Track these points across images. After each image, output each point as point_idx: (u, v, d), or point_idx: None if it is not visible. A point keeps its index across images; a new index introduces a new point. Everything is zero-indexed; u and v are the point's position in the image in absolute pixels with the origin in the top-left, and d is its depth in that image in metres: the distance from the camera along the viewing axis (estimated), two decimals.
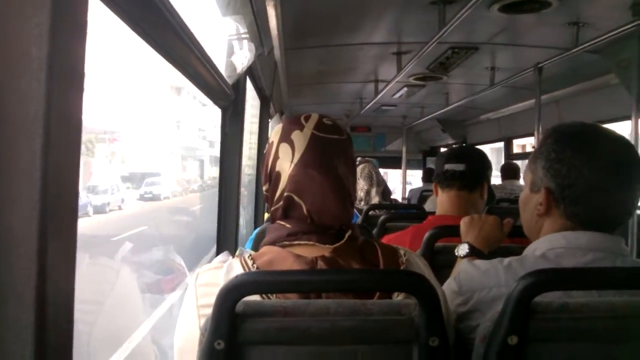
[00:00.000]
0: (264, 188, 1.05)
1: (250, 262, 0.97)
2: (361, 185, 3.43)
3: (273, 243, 0.99)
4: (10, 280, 0.47)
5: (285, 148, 0.98)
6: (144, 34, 1.01)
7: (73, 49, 0.52)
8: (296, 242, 0.97)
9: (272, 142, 1.02)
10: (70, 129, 0.52)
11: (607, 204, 1.09)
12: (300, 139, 0.98)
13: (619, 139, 1.12)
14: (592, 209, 1.08)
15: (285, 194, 0.98)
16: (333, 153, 0.98)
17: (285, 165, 0.98)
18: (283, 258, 0.96)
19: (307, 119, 1.01)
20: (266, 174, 1.03)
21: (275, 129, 1.04)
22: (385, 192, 3.54)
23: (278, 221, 1.00)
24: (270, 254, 0.97)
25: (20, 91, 0.47)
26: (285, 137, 0.99)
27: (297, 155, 0.97)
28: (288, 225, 0.98)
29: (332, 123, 1.02)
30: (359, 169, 3.46)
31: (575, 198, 1.08)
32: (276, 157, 1.00)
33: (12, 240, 0.47)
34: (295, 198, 0.97)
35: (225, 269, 0.97)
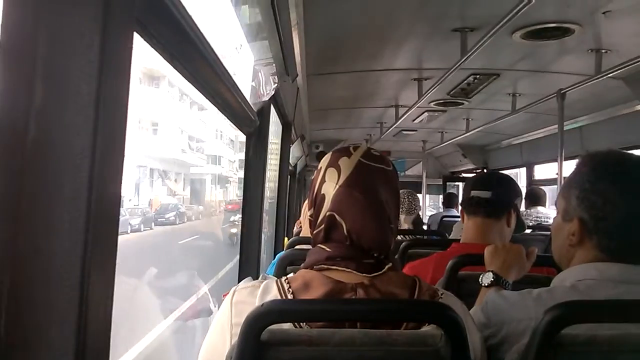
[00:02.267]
0: (309, 213, 1.07)
1: (286, 285, 0.98)
2: None
3: (311, 267, 1.00)
4: (54, 305, 0.48)
5: (331, 172, 1.02)
6: (177, 65, 1.05)
7: (119, 84, 0.54)
8: (334, 267, 0.98)
9: (320, 168, 1.06)
10: (114, 162, 0.54)
11: None
12: (346, 164, 1.01)
13: None
14: (625, 241, 1.06)
15: (328, 213, 1.00)
16: (377, 179, 1.01)
17: (330, 187, 1.01)
18: (321, 283, 0.96)
19: (355, 148, 1.05)
20: (312, 199, 1.05)
21: (324, 157, 1.07)
22: (416, 221, 3.49)
23: (319, 245, 1.02)
24: (307, 278, 0.98)
25: (69, 125, 0.49)
26: (332, 163, 1.03)
27: (343, 178, 1.00)
28: (328, 249, 0.99)
29: (380, 154, 1.07)
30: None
31: (609, 231, 1.06)
32: (322, 181, 1.03)
33: (57, 268, 0.48)
34: (337, 217, 0.99)
35: (262, 289, 0.98)
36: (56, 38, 0.48)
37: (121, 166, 0.55)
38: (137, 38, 0.72)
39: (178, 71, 1.06)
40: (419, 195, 7.27)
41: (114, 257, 0.55)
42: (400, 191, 3.62)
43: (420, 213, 7.16)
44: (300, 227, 2.62)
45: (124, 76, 0.55)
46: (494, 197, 1.76)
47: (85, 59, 0.49)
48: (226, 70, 1.35)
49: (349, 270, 0.97)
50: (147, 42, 0.81)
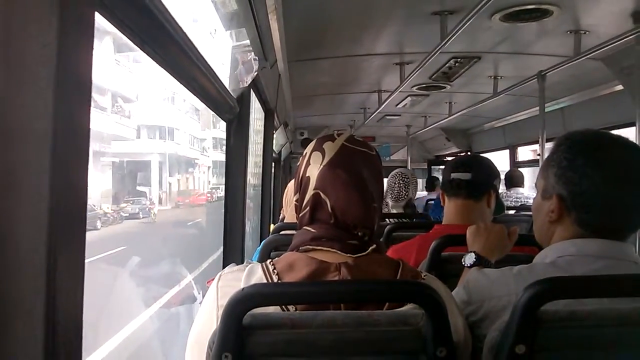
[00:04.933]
0: (295, 199, 1.08)
1: (271, 267, 0.99)
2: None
3: (296, 248, 1.01)
4: (19, 296, 0.47)
5: (316, 155, 1.03)
6: (149, 50, 1.03)
7: (80, 67, 0.53)
8: (319, 248, 0.99)
9: (305, 153, 1.07)
10: (77, 145, 0.53)
11: (619, 212, 1.08)
12: (331, 147, 1.03)
13: (631, 147, 1.11)
14: (603, 216, 1.08)
15: (313, 192, 1.01)
16: (360, 160, 1.03)
17: (315, 169, 1.02)
18: (305, 263, 0.97)
19: (339, 134, 1.07)
20: (297, 184, 1.06)
21: (310, 144, 1.09)
22: (407, 206, 3.44)
23: (304, 227, 1.03)
24: (292, 259, 1.00)
25: (29, 109, 0.48)
26: (317, 147, 1.05)
27: (327, 159, 1.02)
28: (313, 230, 1.01)
29: (363, 140, 1.09)
30: (390, 175, 3.41)
31: (586, 206, 1.08)
32: (307, 164, 1.04)
33: (21, 257, 0.47)
34: (322, 195, 1.00)
35: (247, 272, 0.99)
36: (11, 20, 0.46)
37: (86, 149, 0.53)
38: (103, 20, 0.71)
39: (149, 56, 1.04)
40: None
41: (82, 245, 0.54)
42: (392, 173, 3.57)
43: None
44: (284, 215, 2.61)
45: (85, 59, 0.54)
46: (474, 179, 1.78)
47: (42, 42, 0.47)
48: (201, 56, 1.34)
49: (333, 250, 0.98)
50: (113, 25, 0.79)
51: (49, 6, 0.47)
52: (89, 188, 0.52)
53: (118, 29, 0.82)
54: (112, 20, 0.77)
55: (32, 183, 0.47)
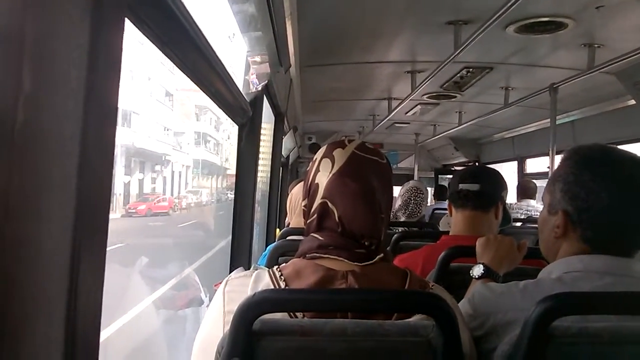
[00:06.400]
0: (303, 203, 1.08)
1: (278, 273, 0.99)
2: (397, 205, 3.39)
3: (303, 255, 1.01)
4: (40, 297, 0.47)
5: (326, 162, 1.03)
6: (169, 53, 1.04)
7: (110, 70, 0.53)
8: (326, 256, 0.99)
9: (315, 159, 1.07)
10: (104, 149, 0.53)
11: (625, 228, 1.07)
12: (341, 154, 1.03)
13: (638, 162, 1.11)
14: (609, 233, 1.07)
15: (320, 200, 1.01)
16: (370, 169, 1.02)
17: (324, 177, 1.02)
18: (313, 270, 0.97)
19: (350, 141, 1.07)
20: (306, 189, 1.06)
21: (320, 149, 1.09)
22: (420, 221, 3.44)
23: (312, 234, 1.03)
24: (298, 266, 0.99)
25: (58, 111, 0.48)
26: (327, 154, 1.05)
27: (336, 167, 1.01)
28: (320, 238, 1.00)
29: (374, 148, 1.08)
30: (404, 188, 3.42)
31: (592, 222, 1.07)
32: (317, 171, 1.04)
33: (44, 258, 0.47)
34: (329, 204, 1.00)
35: (254, 278, 0.99)
36: (45, 22, 0.47)
37: (112, 152, 0.54)
38: (128, 24, 0.71)
39: (170, 59, 1.05)
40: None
41: (104, 245, 0.54)
42: (407, 187, 3.55)
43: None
44: (289, 220, 2.61)
45: (115, 62, 0.54)
46: (483, 190, 1.78)
47: (74, 44, 0.47)
48: (219, 60, 1.34)
49: (340, 258, 0.98)
50: (138, 29, 0.80)
51: (82, 8, 0.48)
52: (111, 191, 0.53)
53: (142, 31, 0.83)
54: (137, 23, 0.78)
55: (60, 184, 0.47)
